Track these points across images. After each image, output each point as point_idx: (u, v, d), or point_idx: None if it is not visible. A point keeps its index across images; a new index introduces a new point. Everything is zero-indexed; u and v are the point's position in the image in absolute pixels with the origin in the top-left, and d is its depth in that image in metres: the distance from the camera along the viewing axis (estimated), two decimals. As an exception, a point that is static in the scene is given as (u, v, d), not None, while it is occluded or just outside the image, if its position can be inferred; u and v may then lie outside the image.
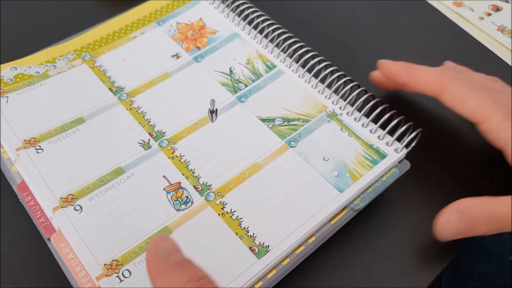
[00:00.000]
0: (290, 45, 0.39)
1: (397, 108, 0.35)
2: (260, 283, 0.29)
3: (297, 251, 0.30)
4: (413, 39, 0.44)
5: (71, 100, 0.37)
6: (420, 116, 0.37)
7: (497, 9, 0.45)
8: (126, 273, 0.29)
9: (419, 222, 0.34)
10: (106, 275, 0.28)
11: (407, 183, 0.34)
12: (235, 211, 0.31)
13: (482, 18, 0.44)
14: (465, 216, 0.29)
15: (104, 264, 0.29)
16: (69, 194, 0.32)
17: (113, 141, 0.35)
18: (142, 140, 0.35)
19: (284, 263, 0.30)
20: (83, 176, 0.33)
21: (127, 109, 0.37)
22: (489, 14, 0.45)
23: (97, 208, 0.31)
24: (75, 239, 0.30)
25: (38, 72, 0.39)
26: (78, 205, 0.31)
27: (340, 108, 0.37)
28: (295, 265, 0.30)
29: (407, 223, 0.34)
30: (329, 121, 0.36)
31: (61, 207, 0.31)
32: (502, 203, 0.28)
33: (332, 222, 0.32)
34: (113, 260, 0.29)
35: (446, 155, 0.37)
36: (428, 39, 0.44)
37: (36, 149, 0.34)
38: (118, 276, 0.28)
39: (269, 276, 0.29)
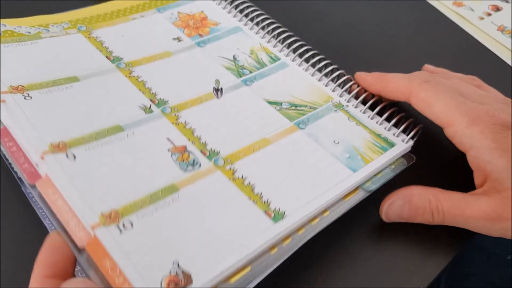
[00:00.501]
0: (291, 43, 0.39)
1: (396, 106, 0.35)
2: (275, 249, 0.26)
3: (313, 222, 0.28)
4: (413, 39, 0.44)
5: (64, 61, 0.34)
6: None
7: (497, 9, 0.45)
8: (128, 225, 0.25)
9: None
10: (104, 224, 0.24)
11: (407, 181, 0.33)
12: (246, 177, 0.29)
13: (482, 18, 0.44)
14: (411, 203, 0.29)
15: (102, 213, 0.25)
16: (60, 141, 0.28)
17: (111, 101, 0.32)
18: (143, 104, 0.32)
19: (299, 232, 0.27)
20: (76, 128, 0.29)
21: (126, 76, 0.34)
22: (489, 14, 0.45)
23: (94, 160, 0.28)
24: (67, 186, 0.26)
25: (29, 32, 0.36)
26: (72, 153, 0.27)
27: (346, 100, 0.36)
28: (310, 236, 0.27)
29: (406, 222, 0.33)
30: (336, 110, 0.35)
31: (51, 152, 0.27)
32: (449, 197, 0.29)
33: (346, 199, 0.30)
34: (112, 210, 0.25)
35: (445, 152, 0.37)
36: (428, 39, 0.44)
37: (24, 96, 0.30)
38: (117, 226, 0.25)
39: (284, 243, 0.27)
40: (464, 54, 0.42)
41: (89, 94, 0.32)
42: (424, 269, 0.31)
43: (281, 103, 0.35)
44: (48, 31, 0.36)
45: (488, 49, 0.43)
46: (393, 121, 0.34)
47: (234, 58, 0.38)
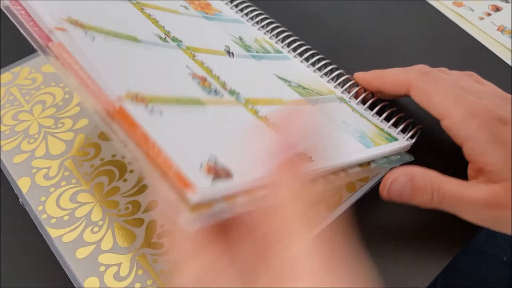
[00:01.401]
0: (291, 43, 0.39)
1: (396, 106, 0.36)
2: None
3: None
4: (413, 39, 0.43)
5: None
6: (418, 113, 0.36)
7: (497, 9, 0.45)
8: (157, 110, 0.21)
9: (418, 221, 0.32)
10: (131, 100, 0.20)
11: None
12: (270, 118, 0.26)
13: (482, 18, 0.44)
14: (413, 182, 0.29)
15: (127, 91, 0.21)
16: (78, 20, 0.24)
17: (126, 19, 0.29)
18: (158, 35, 0.29)
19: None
20: (95, 15, 0.26)
21: (138, 10, 0.31)
22: (489, 14, 0.44)
23: (114, 47, 0.24)
24: (87, 59, 0.22)
25: None
26: (91, 35, 0.24)
27: (347, 98, 0.36)
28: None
29: (406, 222, 0.32)
30: (340, 102, 0.35)
31: (69, 24, 0.23)
32: (449, 181, 0.29)
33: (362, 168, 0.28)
34: (138, 92, 0.21)
35: (444, 152, 0.36)
36: (428, 39, 0.43)
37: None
38: (146, 107, 0.21)
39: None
40: (464, 54, 0.41)
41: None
42: (423, 269, 0.30)
43: (290, 82, 0.34)
44: None
45: (488, 49, 0.42)
46: (392, 120, 0.34)
47: (241, 39, 0.37)
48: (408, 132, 0.34)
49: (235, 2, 0.42)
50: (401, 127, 0.34)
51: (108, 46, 0.24)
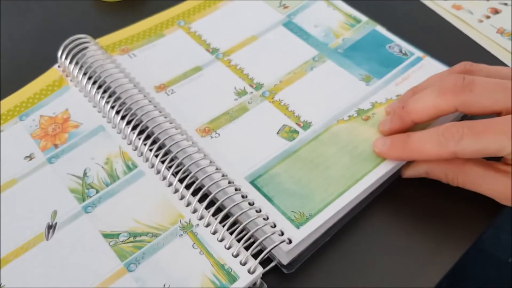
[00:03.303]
0: (152, 149, 0.35)
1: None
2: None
3: None
4: (412, 42, 0.42)
5: None
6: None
7: (496, 11, 0.45)
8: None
9: (423, 222, 0.33)
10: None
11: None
12: None
13: (481, 21, 0.45)
14: (428, 174, 0.33)
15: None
16: None
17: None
18: None
19: None
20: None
21: None
22: (488, 17, 0.45)
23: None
24: None
25: None
26: None
27: (198, 217, 0.31)
28: None
29: (412, 225, 0.33)
30: (182, 234, 0.31)
31: None
32: (467, 173, 0.31)
33: None
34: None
35: None
36: (428, 42, 0.43)
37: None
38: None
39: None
40: (464, 56, 0.38)
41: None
42: (429, 271, 0.31)
43: (119, 235, 0.31)
44: None
45: (488, 51, 0.43)
46: (245, 243, 0.30)
47: (84, 174, 0.35)
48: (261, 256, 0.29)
49: (98, 97, 0.38)
50: (251, 251, 0.30)
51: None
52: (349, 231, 0.32)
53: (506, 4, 0.46)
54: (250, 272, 0.29)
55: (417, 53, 0.41)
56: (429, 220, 0.33)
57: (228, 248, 0.30)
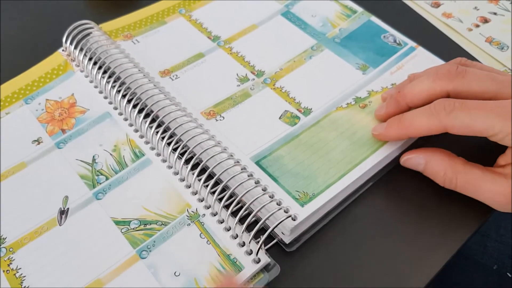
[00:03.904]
0: (158, 132, 0.36)
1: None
2: None
3: None
4: None
5: None
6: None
7: (485, 20, 0.46)
8: None
9: (409, 228, 0.33)
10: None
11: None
12: None
13: (470, 30, 0.45)
14: (427, 165, 0.33)
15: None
16: None
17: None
18: None
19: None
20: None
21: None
22: (477, 26, 0.46)
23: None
24: None
25: None
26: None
27: (205, 206, 0.33)
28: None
29: (398, 229, 0.33)
30: (189, 224, 0.33)
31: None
32: (466, 172, 0.32)
33: None
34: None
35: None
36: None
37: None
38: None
39: None
40: None
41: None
42: (414, 276, 0.31)
43: (130, 222, 0.33)
44: None
45: (477, 60, 0.43)
46: (254, 231, 0.31)
47: (93, 160, 0.36)
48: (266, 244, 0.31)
49: (104, 82, 0.39)
50: (262, 239, 0.31)
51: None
52: (346, 215, 0.34)
53: (495, 13, 0.47)
54: (256, 261, 0.31)
55: (411, 43, 0.43)
56: (414, 225, 0.34)
57: (235, 238, 0.32)
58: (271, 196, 0.32)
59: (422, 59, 0.41)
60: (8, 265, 0.31)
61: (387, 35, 0.43)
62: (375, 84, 0.40)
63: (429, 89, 0.33)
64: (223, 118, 0.38)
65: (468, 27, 0.46)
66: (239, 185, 0.32)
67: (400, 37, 0.43)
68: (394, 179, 0.36)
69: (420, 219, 0.34)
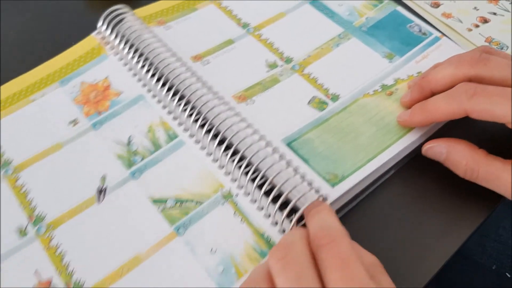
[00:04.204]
0: (192, 114, 0.37)
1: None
2: None
3: None
4: None
5: None
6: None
7: (485, 21, 0.46)
8: None
9: (409, 226, 0.34)
10: None
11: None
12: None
13: (470, 30, 0.45)
14: (449, 155, 0.33)
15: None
16: None
17: None
18: (20, 225, 0.33)
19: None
20: None
21: (11, 187, 0.34)
22: (477, 26, 0.45)
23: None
24: None
25: None
26: None
27: (238, 186, 0.34)
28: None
29: (396, 228, 0.34)
30: (223, 203, 0.34)
31: None
32: (488, 164, 0.32)
33: None
34: None
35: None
36: None
37: None
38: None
39: None
40: None
41: None
42: (414, 276, 0.32)
43: (166, 201, 0.34)
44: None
45: None
46: (287, 210, 0.32)
47: (129, 141, 0.37)
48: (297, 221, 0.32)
49: (139, 66, 0.40)
50: (296, 217, 0.32)
51: None
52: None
53: (495, 13, 0.47)
54: None
55: (436, 33, 0.44)
56: (414, 225, 0.34)
57: (268, 217, 0.33)
58: (302, 177, 0.33)
59: (447, 49, 0.42)
60: (49, 243, 0.32)
61: (412, 25, 0.44)
62: (401, 72, 0.40)
63: (452, 74, 0.34)
64: (254, 101, 0.39)
65: (467, 27, 0.45)
66: (271, 166, 0.33)
67: (425, 27, 0.44)
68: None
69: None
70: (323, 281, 0.25)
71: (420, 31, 0.44)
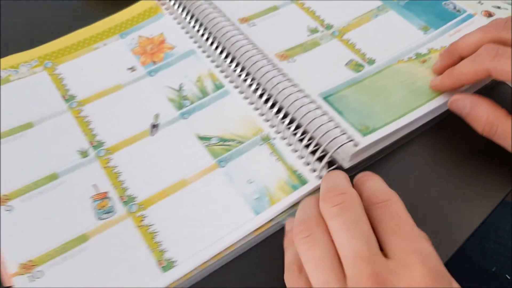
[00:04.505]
0: (237, 69, 0.41)
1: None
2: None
3: (202, 267, 0.32)
4: None
5: (25, 105, 0.39)
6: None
7: (490, 14, 0.46)
8: (39, 274, 0.31)
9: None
10: (19, 274, 0.31)
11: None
12: (152, 225, 0.33)
13: None
14: (471, 110, 0.34)
15: (20, 263, 0.31)
16: (3, 195, 0.34)
17: (55, 147, 0.37)
18: (82, 148, 0.37)
19: (187, 277, 0.32)
20: (19, 178, 0.35)
21: (74, 117, 0.39)
22: None
23: (26, 210, 0.34)
24: (2, 236, 0.32)
25: (0, 77, 0.41)
26: (9, 205, 0.34)
27: (276, 131, 0.38)
28: (199, 279, 0.32)
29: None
30: (262, 144, 0.37)
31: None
32: (506, 122, 0.33)
33: (256, 234, 0.33)
34: (29, 260, 0.31)
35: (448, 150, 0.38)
36: None
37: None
38: (30, 276, 0.31)
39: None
40: None
41: (37, 141, 0.38)
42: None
43: (211, 138, 0.38)
44: (17, 72, 0.42)
45: None
46: (317, 155, 0.36)
47: (180, 88, 0.41)
48: (325, 166, 0.35)
49: (192, 24, 0.44)
50: (325, 161, 0.35)
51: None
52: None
53: (499, 7, 0.47)
54: (319, 178, 0.35)
55: (470, 10, 0.46)
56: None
57: (301, 158, 0.36)
58: (336, 125, 0.37)
59: (479, 26, 0.45)
60: (107, 163, 0.36)
61: (447, 2, 0.47)
62: (435, 43, 0.43)
63: (478, 39, 0.36)
64: (295, 60, 0.42)
65: (472, 20, 0.46)
66: (307, 113, 0.37)
67: (460, 5, 0.46)
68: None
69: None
70: (378, 237, 0.26)
71: (454, 8, 0.46)
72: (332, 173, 0.30)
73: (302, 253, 0.27)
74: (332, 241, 0.26)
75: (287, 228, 0.33)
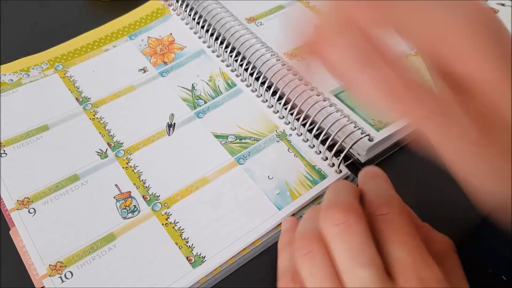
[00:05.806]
0: (248, 68, 0.41)
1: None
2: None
3: (230, 262, 0.33)
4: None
5: (39, 108, 0.39)
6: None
7: (494, 11, 0.46)
8: (69, 275, 0.31)
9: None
10: (49, 275, 0.31)
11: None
12: (178, 222, 0.34)
13: None
14: None
15: (49, 264, 0.31)
16: (25, 197, 0.34)
17: (73, 149, 0.37)
18: (100, 149, 0.37)
19: (216, 272, 0.32)
20: (41, 180, 0.35)
21: (90, 118, 0.39)
22: None
23: (49, 212, 0.34)
24: (27, 239, 0.32)
25: (11, 80, 0.41)
26: (33, 208, 0.34)
27: (291, 128, 0.39)
28: (227, 274, 0.32)
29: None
30: (278, 141, 0.38)
31: (17, 209, 0.33)
32: None
33: (279, 228, 0.34)
34: (57, 261, 0.31)
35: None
36: None
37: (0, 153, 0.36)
38: (60, 277, 0.31)
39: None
40: None
41: (55, 142, 0.38)
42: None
43: (227, 136, 0.38)
44: (29, 75, 0.42)
45: None
46: (334, 150, 0.36)
47: (192, 87, 0.42)
48: (341, 161, 0.36)
49: (201, 24, 0.45)
50: (341, 156, 0.36)
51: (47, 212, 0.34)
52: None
53: (503, 4, 0.47)
54: (337, 172, 0.36)
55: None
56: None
57: (318, 154, 0.37)
58: (349, 120, 0.38)
59: None
60: (127, 163, 0.37)
61: None
62: None
63: None
64: (304, 59, 0.43)
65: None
66: (321, 109, 0.38)
67: None
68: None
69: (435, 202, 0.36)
70: (381, 251, 0.24)
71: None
72: (337, 184, 0.28)
73: (301, 269, 0.25)
74: (332, 259, 0.24)
75: (283, 228, 0.33)
